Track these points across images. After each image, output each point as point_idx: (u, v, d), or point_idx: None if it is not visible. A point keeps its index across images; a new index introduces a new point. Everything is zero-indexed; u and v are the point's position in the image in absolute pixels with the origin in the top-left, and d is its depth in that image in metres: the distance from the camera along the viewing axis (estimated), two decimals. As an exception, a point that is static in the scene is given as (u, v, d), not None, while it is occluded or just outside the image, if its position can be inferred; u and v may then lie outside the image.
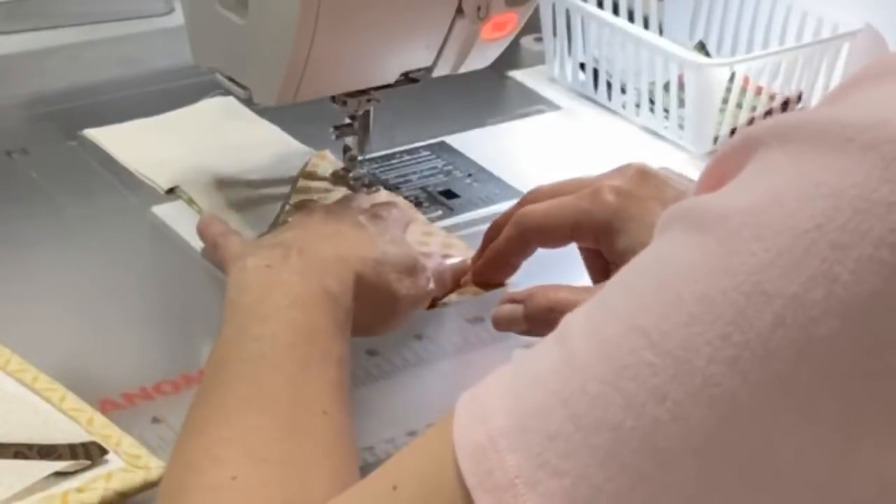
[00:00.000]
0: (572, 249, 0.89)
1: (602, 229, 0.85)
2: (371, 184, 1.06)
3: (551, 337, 0.52)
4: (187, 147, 1.13)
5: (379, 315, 0.82)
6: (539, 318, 0.82)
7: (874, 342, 0.45)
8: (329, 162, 1.08)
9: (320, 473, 0.65)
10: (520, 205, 0.90)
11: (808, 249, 0.45)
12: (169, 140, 1.14)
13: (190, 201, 1.05)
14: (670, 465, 0.47)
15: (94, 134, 1.14)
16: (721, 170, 0.51)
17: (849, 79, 0.51)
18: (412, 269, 0.84)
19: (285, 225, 0.86)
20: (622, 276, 0.51)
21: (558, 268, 0.90)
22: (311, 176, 1.06)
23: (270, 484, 0.63)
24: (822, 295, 0.45)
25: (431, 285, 0.87)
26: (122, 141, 1.13)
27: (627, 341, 0.48)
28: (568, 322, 0.52)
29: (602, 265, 0.87)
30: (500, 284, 0.92)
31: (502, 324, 0.85)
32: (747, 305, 0.46)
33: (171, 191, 1.06)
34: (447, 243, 1.00)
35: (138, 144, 1.13)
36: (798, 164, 0.47)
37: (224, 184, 1.07)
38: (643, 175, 0.86)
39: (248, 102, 0.96)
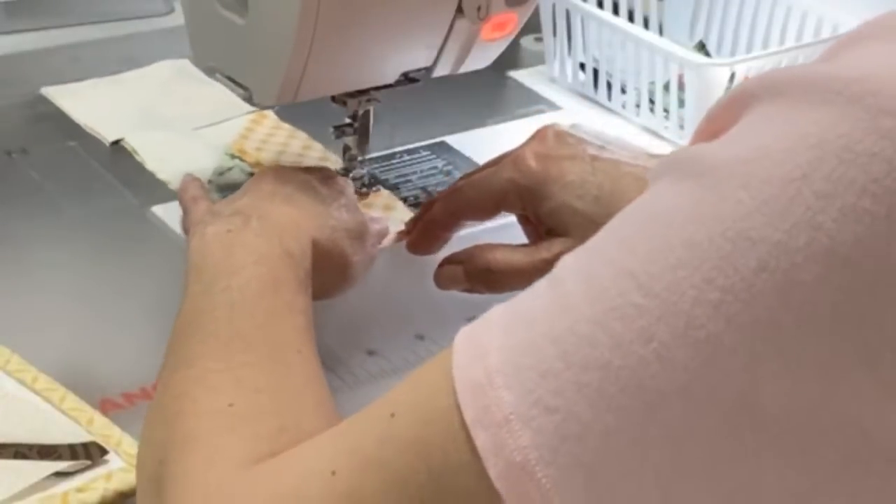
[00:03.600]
0: None
1: (527, 195, 0.87)
2: (371, 184, 1.06)
3: (545, 279, 0.53)
4: (136, 103, 1.19)
5: (333, 279, 0.84)
6: (478, 277, 0.87)
7: (855, 289, 0.46)
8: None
9: (306, 403, 0.67)
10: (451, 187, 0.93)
11: (793, 198, 0.47)
12: (119, 97, 1.20)
13: (133, 152, 1.11)
14: (655, 404, 0.48)
15: (51, 91, 1.19)
16: (715, 123, 0.53)
17: (842, 38, 0.52)
18: (362, 233, 0.86)
19: (239, 189, 0.87)
20: (614, 223, 0.53)
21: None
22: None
23: (265, 411, 0.65)
24: (806, 242, 0.46)
25: (376, 248, 0.90)
26: (76, 98, 1.19)
27: (616, 283, 0.49)
28: (561, 265, 0.53)
29: (536, 226, 0.89)
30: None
31: (444, 283, 0.89)
32: (732, 251, 0.47)
33: (116, 143, 1.13)
34: None
35: (90, 101, 1.19)
36: (787, 116, 0.48)
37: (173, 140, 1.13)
38: (559, 136, 0.88)
39: (248, 101, 0.96)
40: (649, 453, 0.48)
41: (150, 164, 1.10)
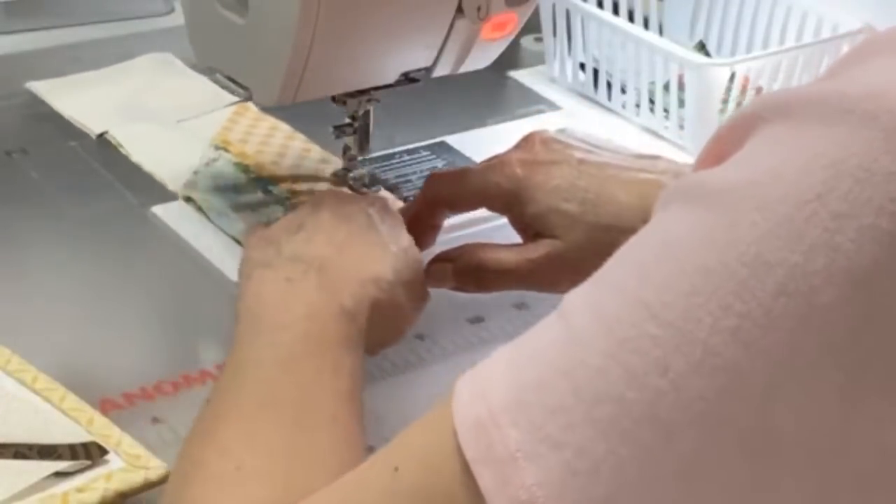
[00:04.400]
0: None
1: (511, 199, 0.87)
2: (371, 184, 1.06)
3: (553, 315, 0.52)
4: (121, 96, 1.19)
5: (387, 333, 0.82)
6: (468, 275, 0.87)
7: (875, 311, 0.45)
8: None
9: (326, 469, 0.65)
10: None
11: (808, 219, 0.46)
12: (105, 91, 1.21)
13: (118, 144, 1.12)
14: (671, 436, 0.47)
15: (38, 86, 1.20)
16: (721, 146, 0.52)
17: (849, 53, 0.51)
18: (416, 282, 0.84)
19: (290, 218, 0.85)
20: (623, 252, 0.52)
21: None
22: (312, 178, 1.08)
23: (274, 473, 0.64)
24: (824, 264, 0.45)
25: (428, 291, 0.87)
26: (62, 92, 1.20)
27: (629, 314, 0.48)
28: (569, 298, 0.52)
29: (523, 229, 0.89)
30: None
31: (432, 280, 0.87)
32: (749, 276, 0.46)
33: (101, 136, 1.14)
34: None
35: (76, 95, 1.20)
36: (798, 137, 0.47)
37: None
38: (546, 142, 0.89)
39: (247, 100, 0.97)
40: (664, 486, 0.47)
41: (136, 156, 1.11)
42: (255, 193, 1.06)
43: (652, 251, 0.50)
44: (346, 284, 0.79)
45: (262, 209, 1.04)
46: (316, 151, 1.12)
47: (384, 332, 0.81)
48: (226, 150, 1.11)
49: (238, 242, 0.99)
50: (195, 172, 1.08)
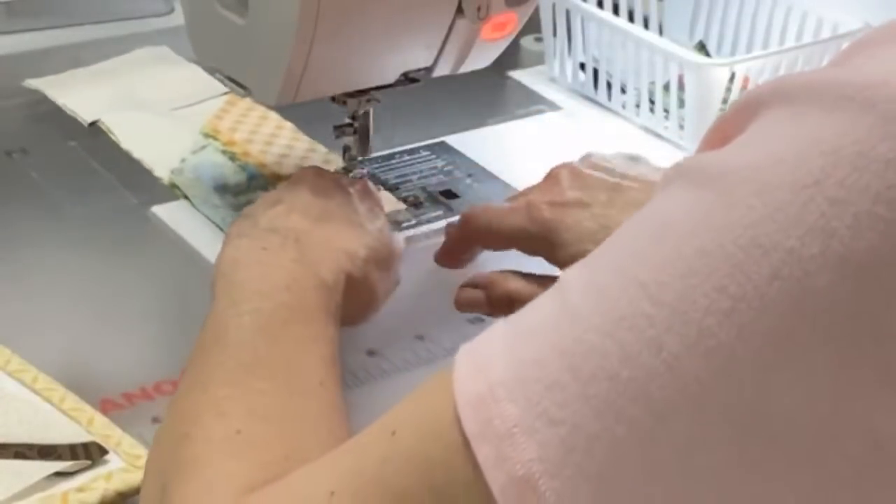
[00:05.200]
0: None
1: (541, 244, 0.88)
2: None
3: (550, 291, 0.53)
4: (115, 87, 1.21)
5: (358, 309, 0.84)
6: (502, 304, 0.87)
7: (869, 296, 0.45)
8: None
9: (319, 434, 0.66)
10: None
11: (805, 204, 0.46)
12: (100, 82, 1.22)
13: (109, 131, 1.13)
14: (665, 415, 0.47)
15: (36, 82, 1.20)
16: (724, 130, 0.52)
17: (853, 44, 0.51)
18: (389, 262, 0.86)
19: (270, 194, 0.87)
20: (621, 232, 0.52)
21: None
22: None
23: (272, 440, 0.65)
24: (819, 249, 0.45)
25: (399, 275, 0.89)
26: (58, 85, 1.21)
27: (625, 293, 0.49)
28: (566, 276, 0.52)
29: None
30: None
31: (464, 306, 0.90)
32: (744, 259, 0.46)
33: (93, 124, 1.14)
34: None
35: (72, 87, 1.21)
36: (799, 123, 0.48)
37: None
38: (574, 177, 0.90)
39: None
40: (657, 465, 0.48)
41: (126, 143, 1.12)
42: (241, 181, 1.07)
43: (650, 231, 0.50)
44: (322, 257, 0.80)
45: (246, 195, 1.05)
46: (304, 141, 1.14)
47: (354, 309, 0.83)
48: (214, 138, 1.13)
49: (222, 230, 1.00)
50: (182, 160, 1.09)
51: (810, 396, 0.46)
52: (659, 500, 0.48)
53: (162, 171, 1.08)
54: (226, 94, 1.17)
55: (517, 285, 0.87)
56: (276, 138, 1.13)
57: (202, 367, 0.72)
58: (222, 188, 1.06)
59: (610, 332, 0.48)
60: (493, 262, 0.93)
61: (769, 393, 0.46)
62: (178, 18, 1.17)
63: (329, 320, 0.77)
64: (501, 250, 0.92)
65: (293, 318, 0.75)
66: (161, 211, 1.04)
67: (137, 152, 1.11)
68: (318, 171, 0.90)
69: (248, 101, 1.17)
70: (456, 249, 0.95)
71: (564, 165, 0.92)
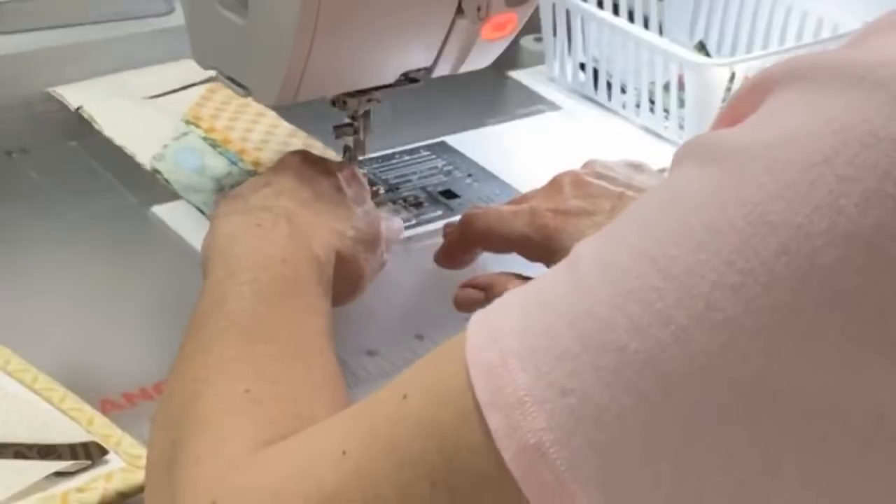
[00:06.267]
0: None
1: (543, 251, 0.89)
2: (371, 184, 1.06)
3: (563, 263, 0.53)
4: (109, 79, 1.22)
5: (345, 287, 0.85)
6: None
7: (875, 273, 0.46)
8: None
9: (323, 398, 0.68)
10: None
11: (814, 182, 0.46)
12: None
13: (91, 119, 1.14)
14: (672, 387, 0.48)
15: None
16: (737, 109, 0.53)
17: (868, 25, 0.52)
18: (376, 243, 0.88)
19: (258, 177, 0.89)
20: (633, 207, 0.53)
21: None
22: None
23: (282, 399, 0.66)
24: (827, 226, 0.46)
25: (386, 256, 0.90)
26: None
27: (635, 266, 0.49)
28: (578, 249, 0.53)
29: None
30: None
31: (463, 306, 0.89)
32: (753, 234, 0.47)
33: (78, 109, 1.16)
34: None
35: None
36: (811, 101, 0.48)
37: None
38: (576, 187, 0.90)
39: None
40: (664, 436, 0.48)
41: (108, 130, 1.13)
42: (222, 166, 1.08)
43: (660, 206, 0.51)
44: (313, 234, 0.82)
45: (227, 181, 1.07)
46: (284, 127, 1.15)
47: (342, 287, 0.84)
48: (196, 125, 1.14)
49: (203, 213, 1.02)
50: (164, 146, 1.11)
51: (815, 370, 0.47)
52: (666, 471, 0.49)
53: (144, 158, 1.10)
54: (206, 81, 1.18)
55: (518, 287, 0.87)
56: (256, 125, 1.14)
57: (203, 331, 0.72)
58: (204, 175, 1.07)
59: (619, 305, 0.49)
60: (494, 263, 0.93)
61: (775, 366, 0.47)
62: (178, 18, 1.17)
63: (323, 294, 0.79)
64: (501, 253, 0.93)
65: (290, 289, 0.76)
66: (161, 211, 1.04)
67: (120, 139, 1.12)
68: (304, 157, 0.91)
69: (227, 90, 1.18)
70: (456, 251, 0.95)
71: (568, 173, 0.92)
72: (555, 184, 0.91)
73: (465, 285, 0.90)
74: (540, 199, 0.91)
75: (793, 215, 0.47)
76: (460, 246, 0.95)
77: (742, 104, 0.53)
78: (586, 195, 0.89)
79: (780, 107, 0.50)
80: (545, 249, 0.88)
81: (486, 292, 0.88)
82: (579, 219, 0.88)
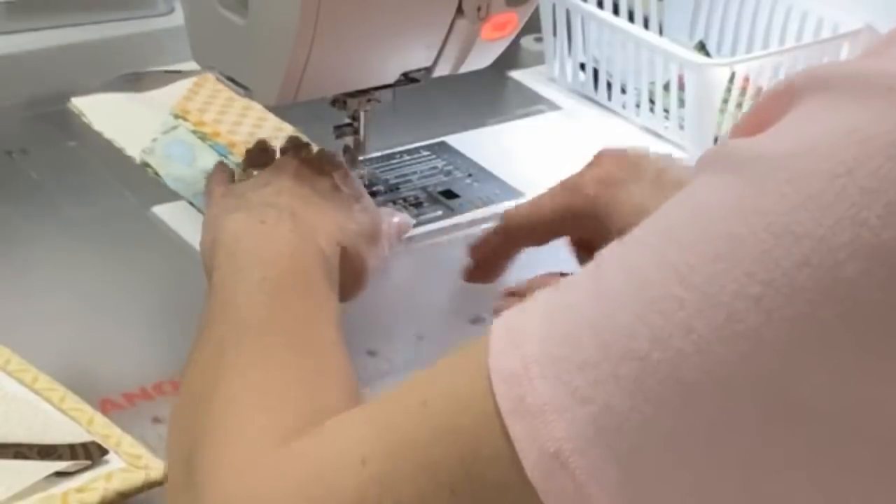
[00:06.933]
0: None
1: (587, 221, 0.88)
2: (371, 184, 1.06)
3: (587, 268, 0.53)
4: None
5: (349, 282, 0.85)
6: None
7: None
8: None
9: (338, 388, 0.68)
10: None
11: (838, 193, 0.46)
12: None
13: (80, 114, 1.15)
14: (693, 397, 0.48)
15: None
16: (760, 116, 0.52)
17: (889, 34, 0.52)
18: (377, 236, 0.88)
19: (257, 177, 0.89)
20: (656, 215, 0.53)
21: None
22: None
23: (297, 391, 0.66)
24: (849, 238, 0.46)
25: (388, 252, 0.91)
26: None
27: (657, 275, 0.49)
28: (601, 256, 0.53)
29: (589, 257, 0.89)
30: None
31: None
32: (775, 245, 0.47)
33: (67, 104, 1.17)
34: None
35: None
36: (835, 111, 0.48)
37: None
38: (619, 160, 0.89)
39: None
40: (685, 446, 0.48)
41: (97, 125, 1.14)
42: (211, 159, 1.08)
43: (684, 215, 0.51)
44: (317, 228, 0.82)
45: None
46: (272, 120, 1.15)
47: (345, 281, 0.83)
48: (184, 119, 1.15)
49: (193, 205, 1.03)
50: (154, 139, 1.11)
51: (835, 382, 0.46)
52: (686, 481, 0.49)
53: (134, 151, 1.11)
54: (193, 73, 1.19)
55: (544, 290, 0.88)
56: (245, 119, 1.15)
57: (215, 331, 0.72)
58: (194, 167, 1.08)
59: (641, 314, 0.49)
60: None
61: (795, 377, 0.47)
62: (178, 18, 1.17)
63: (330, 287, 0.79)
64: (546, 243, 0.91)
65: (298, 284, 0.76)
66: (161, 211, 1.04)
67: (109, 133, 1.13)
68: (300, 160, 0.90)
69: (214, 83, 1.18)
70: (499, 249, 0.93)
71: (610, 148, 0.91)
72: (598, 158, 0.91)
73: (506, 294, 0.90)
74: (582, 171, 0.90)
75: (815, 227, 0.46)
76: (504, 247, 0.93)
77: (763, 113, 0.52)
78: (630, 166, 0.88)
79: (803, 116, 0.50)
80: (590, 220, 0.87)
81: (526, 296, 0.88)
82: (623, 187, 0.87)
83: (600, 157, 0.90)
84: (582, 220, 0.88)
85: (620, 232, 0.83)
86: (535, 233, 0.91)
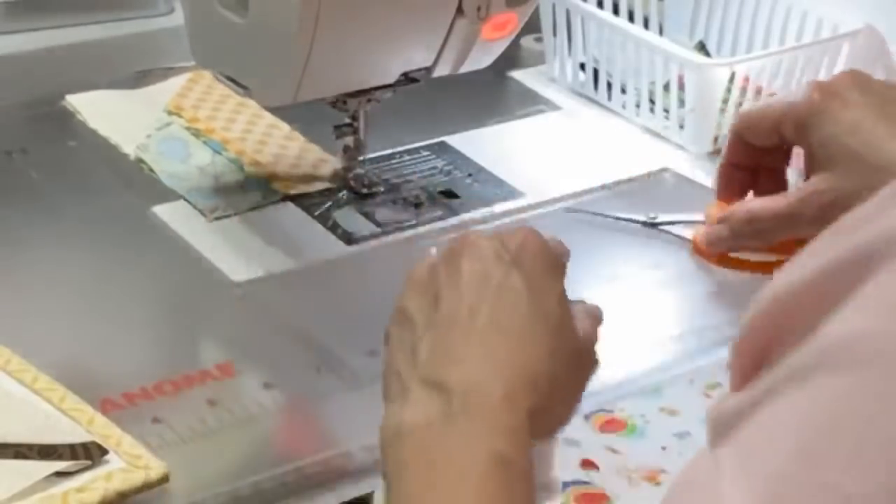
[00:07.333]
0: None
1: (801, 122, 0.92)
2: (371, 184, 1.06)
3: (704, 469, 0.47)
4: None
5: (557, 420, 0.71)
6: (744, 231, 0.95)
7: None
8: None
9: None
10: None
11: None
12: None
13: (76, 111, 1.15)
14: None
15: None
16: (824, 287, 0.46)
17: None
18: (586, 363, 0.73)
19: (426, 278, 0.73)
20: (773, 437, 0.46)
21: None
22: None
23: None
24: None
25: (599, 360, 0.74)
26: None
27: (812, 500, 0.43)
28: (721, 459, 0.47)
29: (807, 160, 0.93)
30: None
31: (712, 244, 0.97)
32: None
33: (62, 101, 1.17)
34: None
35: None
36: None
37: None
38: (856, 81, 0.93)
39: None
40: None
41: (92, 122, 1.14)
42: (206, 155, 1.09)
43: (814, 428, 0.44)
44: (496, 417, 0.66)
45: (211, 169, 1.07)
46: (266, 117, 1.14)
47: (551, 422, 0.71)
48: (178, 115, 1.14)
49: (188, 201, 1.03)
50: (148, 136, 1.11)
51: None
52: None
53: (129, 148, 1.11)
54: (187, 69, 1.19)
55: (755, 205, 0.94)
56: (239, 115, 1.15)
57: None
58: (188, 164, 1.08)
59: None
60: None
61: None
62: (178, 18, 1.17)
63: (513, 498, 0.65)
64: (770, 142, 0.95)
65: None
66: (161, 211, 1.04)
67: (104, 130, 1.13)
68: (475, 240, 0.72)
69: (209, 79, 1.18)
70: (731, 158, 0.98)
71: (852, 69, 0.95)
72: (838, 74, 0.95)
73: (712, 222, 0.97)
74: (815, 81, 0.94)
75: None
76: (736, 148, 0.98)
77: (829, 283, 0.46)
78: (861, 86, 0.92)
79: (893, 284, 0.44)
80: (805, 123, 0.92)
81: (727, 223, 0.95)
82: (844, 99, 0.90)
83: (841, 74, 0.95)
84: (796, 120, 0.92)
85: (821, 142, 0.90)
86: (760, 129, 0.96)
